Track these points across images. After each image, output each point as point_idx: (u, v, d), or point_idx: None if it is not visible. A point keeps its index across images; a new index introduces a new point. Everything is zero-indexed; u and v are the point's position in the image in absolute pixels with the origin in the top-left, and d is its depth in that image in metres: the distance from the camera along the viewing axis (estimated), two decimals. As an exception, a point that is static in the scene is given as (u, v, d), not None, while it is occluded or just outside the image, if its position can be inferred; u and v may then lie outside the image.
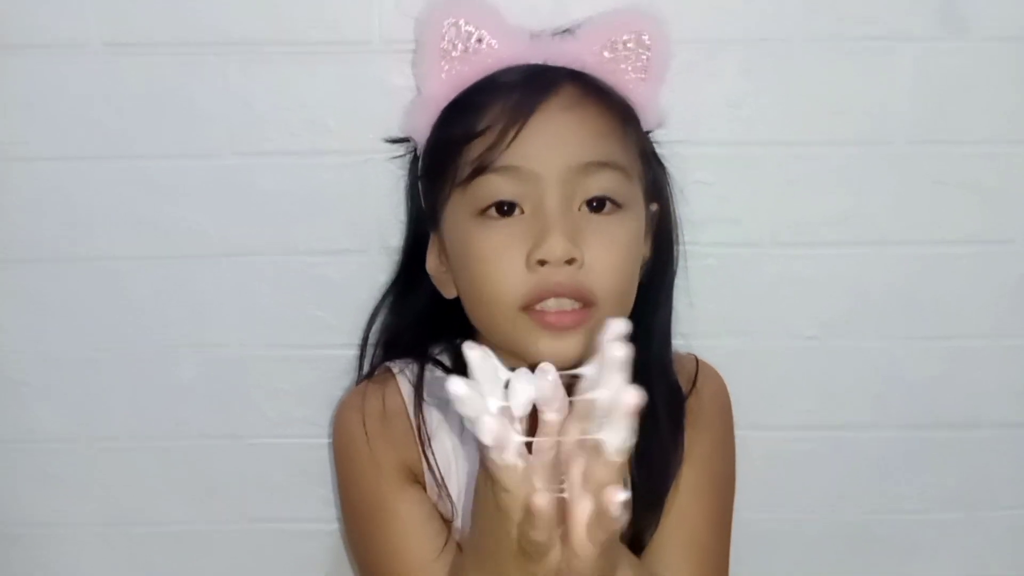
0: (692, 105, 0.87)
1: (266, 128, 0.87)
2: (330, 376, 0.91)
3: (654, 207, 0.83)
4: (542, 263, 0.71)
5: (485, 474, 0.58)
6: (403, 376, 0.82)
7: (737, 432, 0.91)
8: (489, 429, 0.53)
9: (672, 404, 0.81)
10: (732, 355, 0.93)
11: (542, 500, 0.54)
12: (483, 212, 0.74)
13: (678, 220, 0.86)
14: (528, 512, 0.55)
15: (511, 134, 0.72)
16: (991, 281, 0.93)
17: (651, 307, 0.82)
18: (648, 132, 0.83)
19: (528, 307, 0.72)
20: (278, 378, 0.93)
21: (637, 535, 0.78)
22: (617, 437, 0.54)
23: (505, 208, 0.74)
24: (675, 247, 0.86)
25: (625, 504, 0.53)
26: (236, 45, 0.85)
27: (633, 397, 0.53)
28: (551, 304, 0.72)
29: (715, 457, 0.84)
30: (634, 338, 0.78)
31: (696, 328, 0.91)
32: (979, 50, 0.88)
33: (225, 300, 0.91)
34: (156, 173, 0.88)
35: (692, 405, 0.82)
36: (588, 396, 0.55)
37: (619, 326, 0.56)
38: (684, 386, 0.83)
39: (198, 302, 0.91)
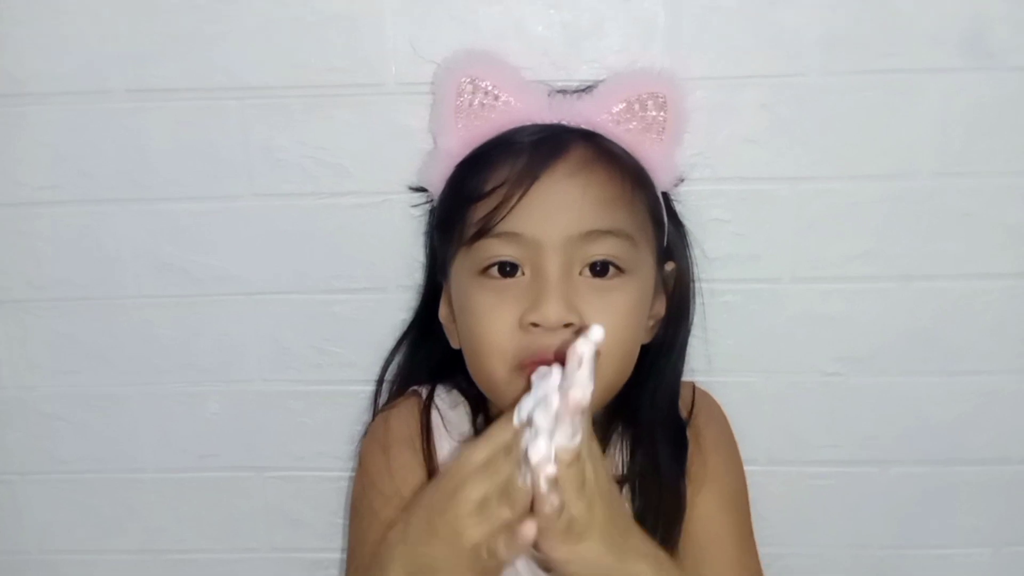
0: (710, 141, 0.87)
1: (285, 170, 0.88)
2: (350, 412, 0.93)
3: (670, 266, 0.82)
4: (535, 325, 0.71)
5: (475, 485, 0.59)
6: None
7: (760, 467, 0.92)
8: (546, 449, 0.53)
9: (675, 452, 0.80)
10: (752, 392, 0.93)
11: (531, 527, 0.56)
12: (484, 271, 0.74)
13: (696, 280, 0.86)
14: (510, 533, 0.56)
15: (514, 200, 0.72)
16: (1018, 316, 0.91)
17: (663, 365, 0.82)
18: (665, 193, 0.82)
19: (521, 367, 0.72)
20: (299, 413, 0.95)
21: None
22: (536, 451, 0.53)
23: (508, 268, 0.74)
24: (691, 306, 0.85)
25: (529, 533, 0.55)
26: (254, 90, 0.86)
27: (580, 393, 0.53)
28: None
29: (725, 478, 0.83)
30: (643, 394, 0.80)
31: (716, 365, 0.91)
32: (1005, 80, 0.86)
33: (247, 338, 0.93)
34: (179, 215, 0.90)
35: (691, 434, 0.82)
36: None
37: (597, 332, 0.55)
38: (684, 417, 0.83)
39: (221, 340, 0.93)
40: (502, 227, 0.73)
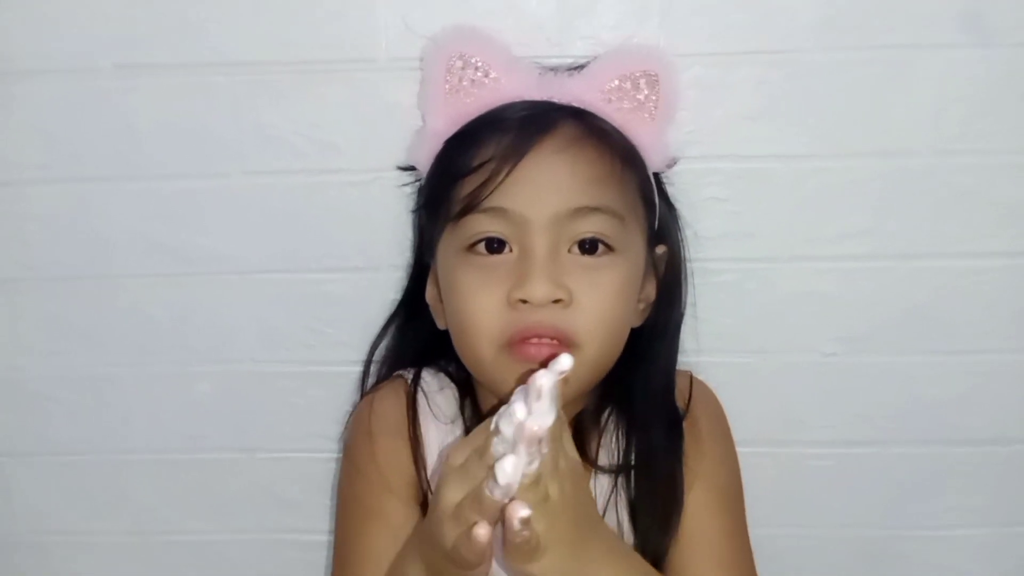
0: (705, 119, 0.86)
1: (275, 148, 0.87)
2: (341, 392, 0.92)
3: (661, 249, 0.81)
4: (523, 302, 0.71)
5: (452, 487, 0.59)
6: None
7: (755, 449, 0.91)
8: (512, 470, 0.53)
9: (670, 441, 0.79)
10: (748, 371, 0.92)
11: (483, 531, 0.55)
12: (471, 248, 0.74)
13: (687, 263, 0.85)
14: (468, 537, 0.56)
15: (501, 175, 0.72)
16: (1017, 295, 0.90)
17: (655, 350, 0.81)
18: (656, 175, 0.81)
19: (509, 345, 0.72)
20: (290, 394, 0.94)
21: (655, 563, 0.77)
22: (503, 472, 0.53)
23: (495, 245, 0.73)
24: (683, 290, 0.84)
25: (524, 521, 0.54)
26: (244, 66, 0.86)
27: (536, 425, 0.53)
28: (532, 342, 0.71)
29: (721, 473, 0.82)
30: (636, 379, 0.80)
31: (711, 344, 0.90)
32: (1003, 57, 0.85)
33: (238, 318, 0.92)
34: (168, 193, 0.89)
35: (689, 425, 0.81)
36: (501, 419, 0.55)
37: (565, 362, 0.55)
38: (680, 407, 0.82)
39: (212, 320, 0.92)
40: (489, 203, 0.72)
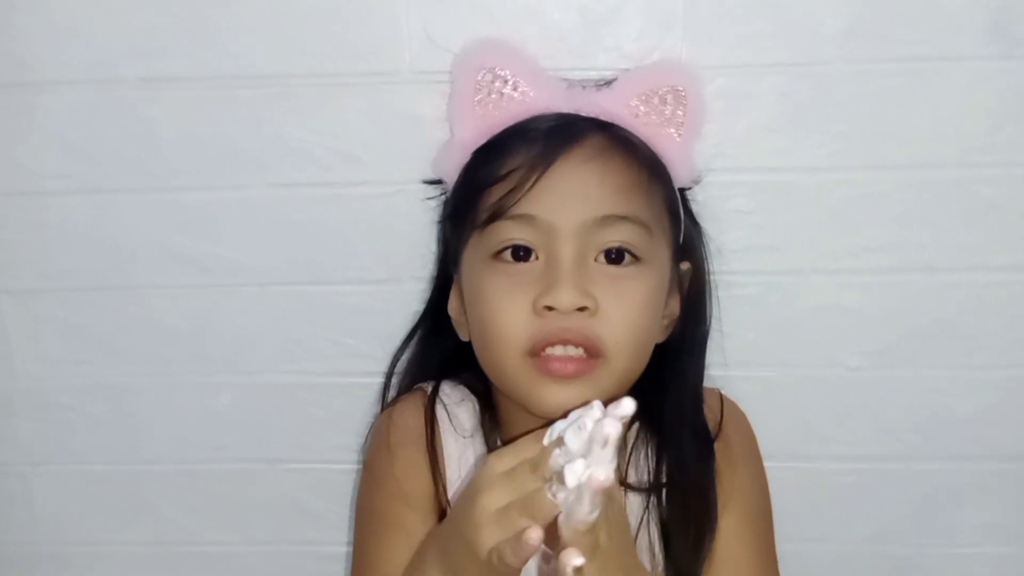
0: (729, 131, 0.86)
1: (298, 160, 0.87)
2: (362, 403, 0.92)
3: (685, 266, 0.81)
4: (549, 309, 0.70)
5: (495, 493, 0.58)
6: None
7: (779, 463, 0.90)
8: (582, 473, 0.53)
9: (702, 459, 0.79)
10: (773, 385, 0.92)
11: (536, 534, 0.54)
12: (497, 255, 0.73)
13: (712, 279, 0.84)
14: (517, 540, 0.55)
15: (529, 183, 0.72)
16: (1044, 309, 0.89)
17: (681, 367, 0.81)
18: (682, 190, 0.81)
19: (534, 353, 0.71)
20: (312, 405, 0.94)
21: None
22: (582, 510, 0.53)
23: (521, 253, 0.73)
24: (708, 307, 0.84)
25: (578, 570, 0.54)
26: (267, 78, 0.85)
27: (603, 474, 0.53)
28: (557, 350, 0.71)
29: (751, 496, 0.82)
30: (665, 398, 0.79)
31: (736, 358, 0.89)
32: (1030, 69, 0.84)
33: (260, 329, 0.92)
34: (191, 205, 0.89)
35: (720, 447, 0.80)
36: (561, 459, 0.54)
37: (628, 407, 0.54)
38: (711, 426, 0.81)
39: (234, 331, 0.92)
40: (517, 209, 0.72)
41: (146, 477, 0.97)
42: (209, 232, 0.90)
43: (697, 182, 0.83)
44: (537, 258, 0.73)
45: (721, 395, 0.85)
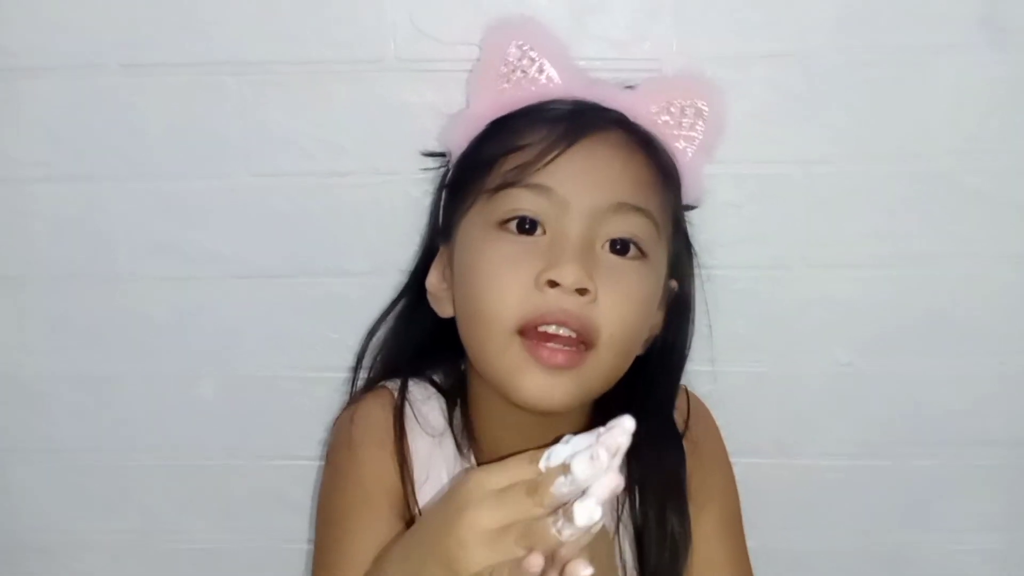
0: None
1: (282, 149, 0.87)
2: (346, 396, 0.90)
3: (674, 284, 0.80)
4: (551, 284, 0.68)
5: (487, 512, 0.55)
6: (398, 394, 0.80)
7: (769, 457, 0.90)
8: (594, 513, 0.51)
9: (673, 463, 0.78)
10: (763, 379, 0.91)
11: (539, 562, 0.52)
12: (503, 225, 0.71)
13: (695, 308, 0.83)
14: (517, 566, 0.53)
15: (551, 155, 0.70)
16: (1036, 300, 0.88)
17: (655, 386, 0.79)
18: (686, 207, 0.81)
19: (524, 331, 0.69)
20: (297, 397, 0.93)
21: None
22: (586, 514, 0.51)
23: (527, 226, 0.71)
24: (689, 331, 0.82)
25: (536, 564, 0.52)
26: (251, 66, 0.85)
27: (615, 482, 0.51)
28: (551, 329, 0.69)
29: (725, 498, 0.82)
30: (633, 405, 0.76)
31: (726, 353, 0.89)
32: (1020, 58, 0.83)
33: (244, 320, 0.91)
34: (174, 194, 0.88)
35: (689, 447, 0.79)
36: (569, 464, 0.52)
37: (629, 424, 0.52)
38: (678, 422, 0.80)
39: (217, 322, 0.91)
40: (534, 179, 0.70)
41: (129, 468, 0.96)
42: (193, 221, 0.89)
43: (699, 203, 0.82)
44: (544, 233, 0.71)
45: (687, 391, 0.84)
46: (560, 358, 0.69)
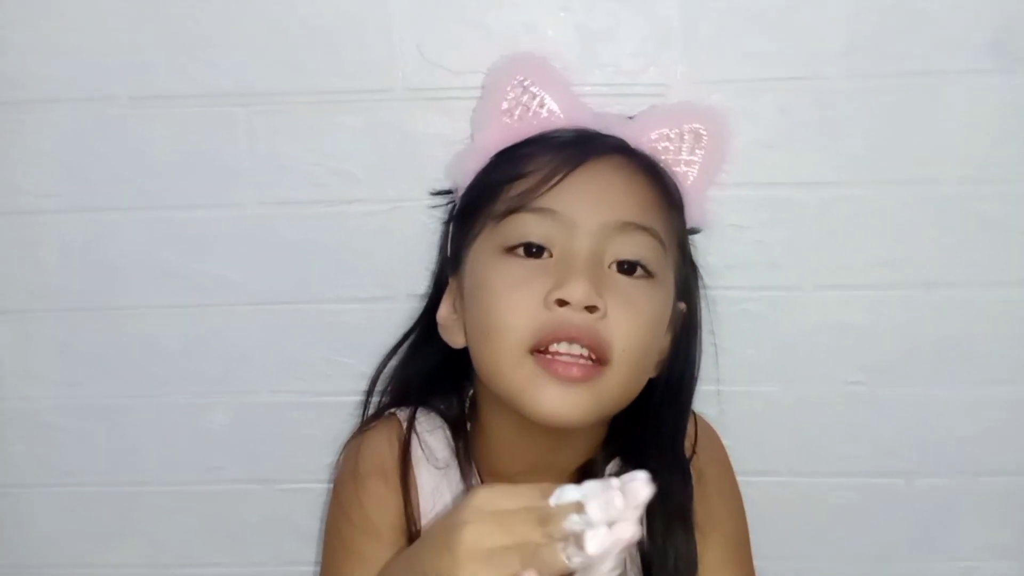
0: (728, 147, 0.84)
1: (291, 178, 0.87)
2: (357, 423, 0.90)
3: (681, 306, 0.80)
4: (560, 303, 0.68)
5: (490, 532, 0.55)
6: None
7: (778, 479, 0.90)
8: (604, 542, 0.52)
9: (682, 488, 0.78)
10: (772, 402, 0.91)
11: None
12: (511, 250, 0.72)
13: (701, 329, 0.83)
14: None
15: (555, 179, 0.71)
16: (1046, 325, 0.88)
17: (666, 409, 0.79)
18: (690, 231, 0.81)
19: (537, 350, 0.69)
20: (307, 424, 0.93)
21: None
22: (597, 542, 0.52)
23: (534, 250, 0.72)
24: (698, 354, 0.82)
25: None
26: (260, 96, 0.85)
27: (632, 531, 0.52)
28: (562, 347, 0.69)
29: (731, 522, 0.82)
30: (645, 431, 0.78)
31: (734, 374, 0.89)
32: (1031, 84, 0.83)
33: (254, 348, 0.91)
34: (184, 224, 0.88)
35: (694, 470, 0.79)
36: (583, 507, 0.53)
37: (643, 475, 0.53)
38: (686, 448, 0.80)
39: (228, 350, 0.91)
40: (538, 203, 0.71)
41: (139, 497, 0.95)
42: (202, 250, 0.89)
43: (704, 227, 0.83)
44: (551, 256, 0.71)
45: (696, 416, 0.84)
46: (575, 371, 0.69)
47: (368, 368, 0.89)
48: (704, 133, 0.80)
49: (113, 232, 0.89)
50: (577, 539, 0.52)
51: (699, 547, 0.77)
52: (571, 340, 0.69)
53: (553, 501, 0.54)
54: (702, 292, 0.84)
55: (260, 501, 0.95)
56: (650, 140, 0.79)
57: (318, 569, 0.95)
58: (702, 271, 0.85)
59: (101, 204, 0.88)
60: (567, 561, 0.52)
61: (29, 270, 0.90)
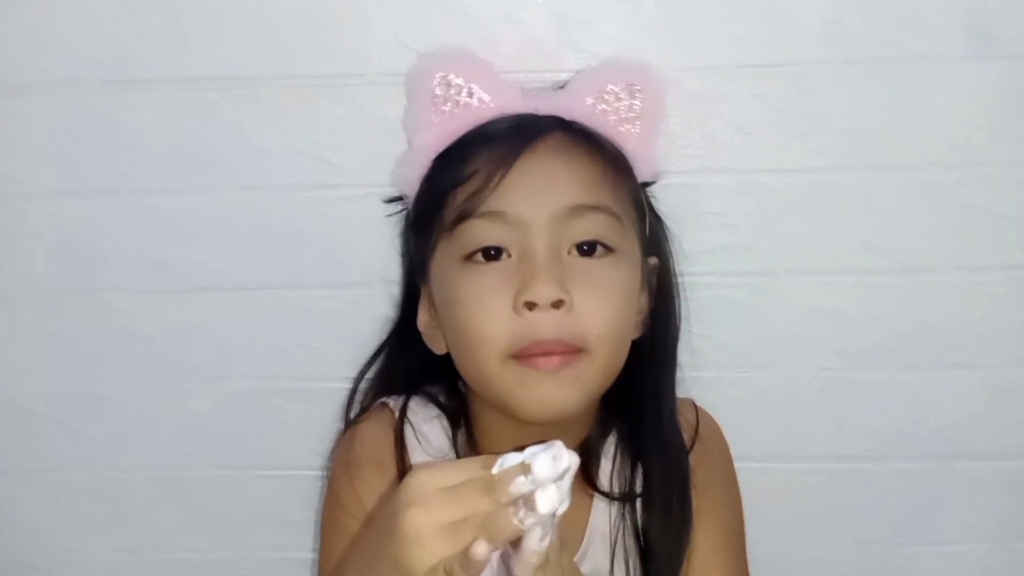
0: (703, 132, 0.85)
1: (267, 163, 0.87)
2: (336, 408, 0.90)
3: (653, 261, 0.80)
4: (529, 306, 0.69)
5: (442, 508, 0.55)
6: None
7: (755, 464, 0.90)
8: (554, 499, 0.53)
9: (679, 466, 0.78)
10: (748, 387, 0.91)
11: (483, 549, 0.53)
12: (468, 258, 0.72)
13: (678, 275, 0.84)
14: (466, 557, 0.54)
15: (495, 179, 0.71)
16: (1021, 310, 0.88)
17: (654, 365, 0.80)
18: (645, 185, 0.81)
19: (517, 356, 0.70)
20: (285, 411, 0.93)
21: None
22: (548, 500, 0.53)
23: (492, 253, 0.72)
24: (676, 303, 0.83)
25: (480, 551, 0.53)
26: (236, 80, 0.85)
27: (565, 506, 0.53)
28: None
29: (726, 512, 0.82)
30: (639, 399, 0.79)
31: (710, 360, 0.89)
32: (1010, 70, 0.83)
33: (233, 334, 0.91)
34: (160, 209, 0.88)
35: (696, 459, 0.80)
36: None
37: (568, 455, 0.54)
38: (686, 436, 0.80)
39: (206, 336, 0.91)
40: (486, 207, 0.71)
41: (121, 484, 0.96)
42: (181, 236, 0.89)
43: (658, 177, 0.82)
44: (509, 256, 0.72)
45: (696, 406, 0.84)
46: (555, 361, 0.70)
47: (345, 353, 0.89)
48: (637, 86, 0.79)
49: (91, 218, 0.89)
50: (527, 501, 0.53)
51: (697, 533, 0.78)
52: (546, 354, 0.70)
53: (495, 469, 0.55)
54: (670, 239, 0.84)
55: (242, 488, 0.95)
56: (586, 106, 0.78)
57: (298, 554, 0.96)
58: (666, 222, 0.84)
59: (78, 190, 0.88)
60: (520, 524, 0.53)
61: (10, 256, 0.90)
